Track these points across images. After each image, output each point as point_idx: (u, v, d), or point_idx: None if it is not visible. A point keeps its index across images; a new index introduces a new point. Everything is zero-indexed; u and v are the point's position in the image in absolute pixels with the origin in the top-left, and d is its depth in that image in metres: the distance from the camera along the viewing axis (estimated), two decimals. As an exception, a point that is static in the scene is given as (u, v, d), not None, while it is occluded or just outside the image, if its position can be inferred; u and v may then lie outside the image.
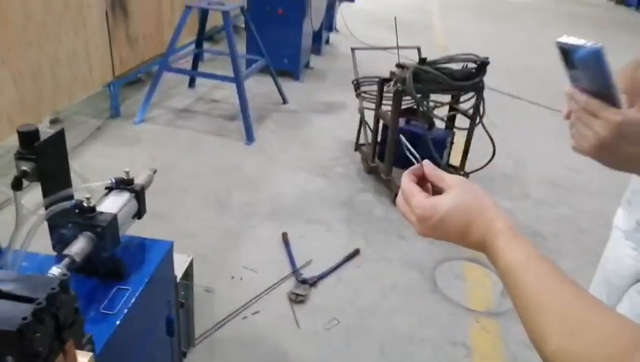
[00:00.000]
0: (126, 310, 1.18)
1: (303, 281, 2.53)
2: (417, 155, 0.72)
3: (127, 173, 1.32)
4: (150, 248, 1.38)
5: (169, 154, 3.66)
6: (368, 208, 3.20)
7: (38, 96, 3.32)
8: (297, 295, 2.45)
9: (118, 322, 1.15)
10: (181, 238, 2.69)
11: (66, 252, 1.12)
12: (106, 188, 1.31)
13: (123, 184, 1.32)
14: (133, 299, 1.22)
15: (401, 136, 0.91)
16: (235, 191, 3.28)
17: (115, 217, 1.21)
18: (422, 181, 0.71)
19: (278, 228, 2.92)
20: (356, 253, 2.77)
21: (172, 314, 1.50)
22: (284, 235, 2.85)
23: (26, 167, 1.21)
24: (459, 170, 3.37)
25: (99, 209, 1.21)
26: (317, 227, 2.99)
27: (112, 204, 1.26)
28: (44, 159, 1.23)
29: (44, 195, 1.25)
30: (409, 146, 0.75)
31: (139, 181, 1.37)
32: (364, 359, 2.16)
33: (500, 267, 0.60)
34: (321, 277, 2.59)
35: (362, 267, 2.70)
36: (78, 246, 1.14)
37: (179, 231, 2.79)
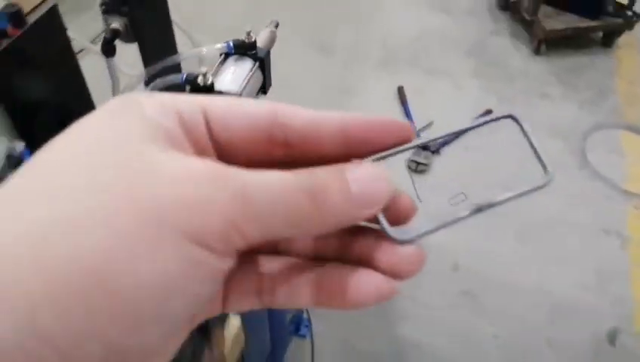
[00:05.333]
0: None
1: (424, 147, 2.19)
2: None
3: (248, 33, 0.93)
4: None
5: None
6: (502, 57, 2.62)
7: None
8: (418, 163, 2.13)
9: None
10: (279, 90, 2.35)
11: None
12: (222, 53, 0.95)
13: (243, 49, 0.94)
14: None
15: None
16: (340, 28, 2.79)
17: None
18: None
19: (391, 79, 2.49)
20: (487, 113, 2.32)
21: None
22: (400, 90, 2.43)
23: (117, 24, 0.86)
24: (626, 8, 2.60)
25: (217, 86, 0.88)
26: (438, 80, 2.52)
27: (234, 79, 0.91)
28: (140, 10, 0.87)
29: (145, 63, 0.92)
30: None
31: (261, 42, 0.99)
32: (498, 242, 1.89)
33: None
34: (446, 142, 2.22)
35: (495, 133, 2.28)
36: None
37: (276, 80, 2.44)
